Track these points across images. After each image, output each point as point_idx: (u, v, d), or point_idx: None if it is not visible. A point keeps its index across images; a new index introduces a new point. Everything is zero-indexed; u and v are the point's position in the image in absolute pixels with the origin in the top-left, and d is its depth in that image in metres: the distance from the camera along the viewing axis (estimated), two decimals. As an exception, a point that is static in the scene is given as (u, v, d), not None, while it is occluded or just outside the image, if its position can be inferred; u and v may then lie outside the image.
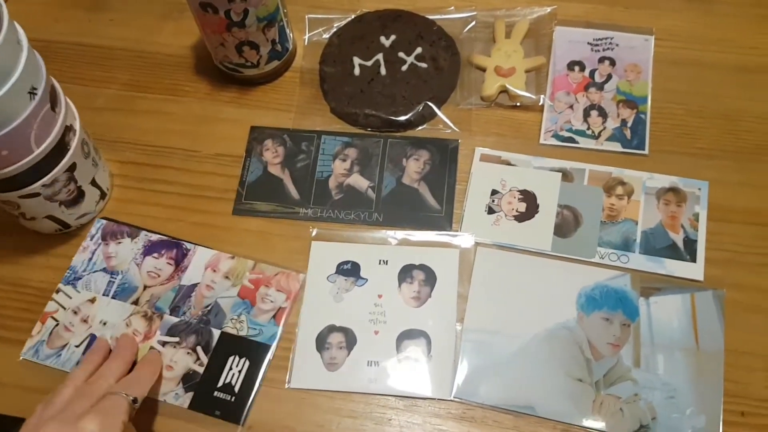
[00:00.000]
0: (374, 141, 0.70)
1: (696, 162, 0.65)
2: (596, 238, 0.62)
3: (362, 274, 0.63)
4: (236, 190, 0.67)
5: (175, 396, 0.58)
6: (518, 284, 0.61)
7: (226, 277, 0.63)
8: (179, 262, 0.64)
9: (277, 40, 0.69)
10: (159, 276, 0.63)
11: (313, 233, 0.65)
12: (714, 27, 0.73)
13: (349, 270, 0.63)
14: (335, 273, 0.63)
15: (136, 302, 0.62)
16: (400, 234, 0.65)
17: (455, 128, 0.69)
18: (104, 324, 0.61)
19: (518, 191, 0.66)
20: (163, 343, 0.60)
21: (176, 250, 0.65)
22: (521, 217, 0.64)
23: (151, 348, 0.60)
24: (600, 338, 0.58)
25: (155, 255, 0.64)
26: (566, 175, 0.66)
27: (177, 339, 0.60)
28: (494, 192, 0.66)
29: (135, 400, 0.52)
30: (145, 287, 0.63)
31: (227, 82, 0.74)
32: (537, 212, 0.64)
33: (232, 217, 0.66)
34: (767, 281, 0.60)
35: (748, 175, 0.65)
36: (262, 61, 0.70)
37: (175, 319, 0.61)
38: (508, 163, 0.67)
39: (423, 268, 0.63)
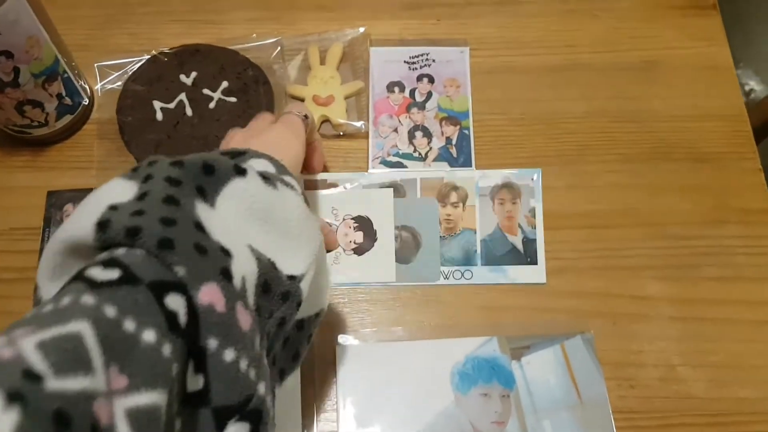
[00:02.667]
0: (192, 190, 0.64)
1: (523, 171, 0.64)
2: (438, 256, 0.60)
3: None
4: (36, 268, 0.60)
5: None
6: (387, 379, 0.56)
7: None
8: (-25, 360, 0.55)
9: (64, 94, 0.62)
10: (-49, 381, 0.55)
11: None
12: (524, 29, 0.72)
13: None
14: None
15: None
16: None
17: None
18: None
19: (352, 219, 0.62)
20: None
21: (-30, 346, 0.56)
22: (360, 250, 0.61)
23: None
24: (482, 418, 0.54)
25: (-54, 356, 0.56)
26: (398, 190, 0.63)
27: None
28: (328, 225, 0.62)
29: (306, 116, 0.54)
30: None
31: (18, 146, 0.66)
32: (375, 240, 0.61)
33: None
34: (605, 283, 0.59)
35: (574, 178, 0.64)
36: (51, 118, 0.63)
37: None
38: (335, 185, 0.63)
39: None
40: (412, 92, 0.68)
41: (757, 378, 0.55)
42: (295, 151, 0.50)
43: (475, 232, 0.61)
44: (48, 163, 0.65)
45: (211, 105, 0.66)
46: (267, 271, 0.38)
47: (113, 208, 0.35)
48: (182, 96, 0.67)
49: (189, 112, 0.66)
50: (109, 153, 0.65)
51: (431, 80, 0.69)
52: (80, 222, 0.34)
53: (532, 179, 0.63)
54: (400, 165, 0.65)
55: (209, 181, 0.39)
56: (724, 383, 0.55)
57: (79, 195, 0.63)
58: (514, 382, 0.55)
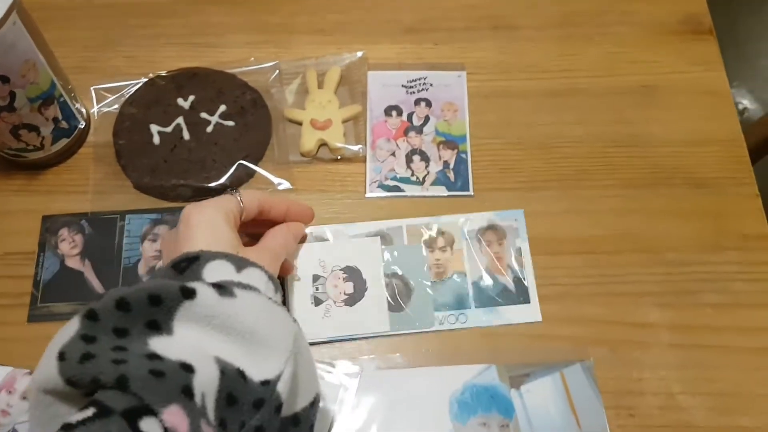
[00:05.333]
0: (188, 214, 0.63)
1: (520, 195, 0.64)
2: (431, 302, 0.59)
3: None
4: (30, 293, 0.59)
5: None
6: (385, 407, 0.55)
7: (24, 398, 0.54)
8: (-33, 388, 0.55)
9: (60, 118, 0.62)
10: (-57, 409, 0.54)
11: (127, 329, 0.58)
12: (521, 54, 0.72)
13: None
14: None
15: None
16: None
17: (278, 187, 0.65)
18: None
19: (340, 270, 0.60)
20: (-48, 491, 0.51)
21: (-37, 374, 0.55)
22: (351, 300, 0.58)
23: None
24: None
25: (-62, 384, 0.55)
26: (384, 238, 0.61)
27: (-32, 484, 0.51)
28: (316, 278, 0.59)
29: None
30: (-73, 425, 0.53)
31: (13, 169, 0.65)
32: (366, 289, 0.59)
33: (29, 325, 0.58)
34: (604, 310, 0.59)
35: (572, 202, 0.64)
36: (47, 142, 0.63)
37: (-35, 460, 0.52)
38: (323, 238, 0.61)
39: None
40: (410, 116, 0.68)
41: (758, 406, 0.54)
42: (226, 236, 0.47)
43: (466, 275, 0.60)
44: (43, 186, 0.65)
45: (209, 129, 0.66)
46: (232, 383, 0.38)
47: (71, 357, 0.36)
48: (179, 119, 0.66)
49: (186, 135, 0.66)
50: (105, 176, 0.65)
51: (429, 104, 0.69)
52: (48, 372, 0.36)
53: (515, 220, 0.62)
54: (397, 189, 0.64)
55: (159, 311, 0.39)
56: (725, 411, 0.54)
57: (73, 219, 0.62)
58: (514, 411, 0.54)
